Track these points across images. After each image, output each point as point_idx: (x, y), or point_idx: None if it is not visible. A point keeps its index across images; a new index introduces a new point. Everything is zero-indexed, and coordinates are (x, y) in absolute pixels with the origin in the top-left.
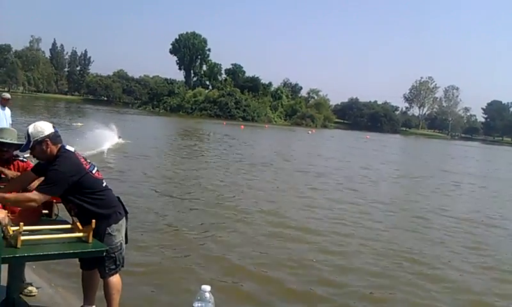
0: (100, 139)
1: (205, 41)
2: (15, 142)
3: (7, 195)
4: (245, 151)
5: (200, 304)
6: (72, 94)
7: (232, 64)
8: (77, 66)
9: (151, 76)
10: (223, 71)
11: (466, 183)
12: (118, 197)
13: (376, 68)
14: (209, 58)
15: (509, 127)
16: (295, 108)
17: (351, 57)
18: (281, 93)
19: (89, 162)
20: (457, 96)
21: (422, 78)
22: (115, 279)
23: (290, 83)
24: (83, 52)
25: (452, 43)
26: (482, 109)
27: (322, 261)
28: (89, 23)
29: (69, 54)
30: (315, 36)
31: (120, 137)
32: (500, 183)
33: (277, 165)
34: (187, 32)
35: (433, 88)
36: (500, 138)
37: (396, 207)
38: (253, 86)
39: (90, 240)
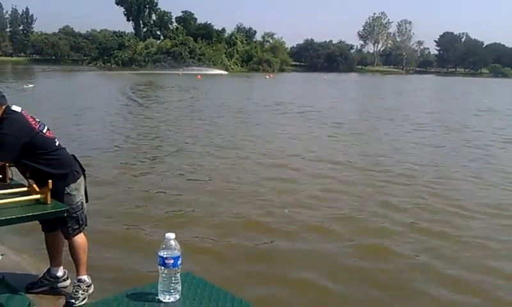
0: None
1: None
2: None
3: None
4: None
5: (165, 253)
6: (18, 56)
7: (183, 12)
8: (19, 26)
9: (98, 30)
10: (173, 20)
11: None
12: (74, 156)
13: (329, 7)
14: (158, 6)
15: (461, 58)
16: (251, 53)
17: None
18: (236, 38)
19: (39, 122)
20: (410, 30)
21: (374, 14)
22: (80, 239)
23: (244, 28)
24: (24, 10)
25: None
26: (435, 41)
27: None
28: None
29: (9, 12)
30: None
31: None
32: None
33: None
34: None
35: (386, 24)
36: (453, 69)
37: None
38: (206, 33)
39: (49, 201)
